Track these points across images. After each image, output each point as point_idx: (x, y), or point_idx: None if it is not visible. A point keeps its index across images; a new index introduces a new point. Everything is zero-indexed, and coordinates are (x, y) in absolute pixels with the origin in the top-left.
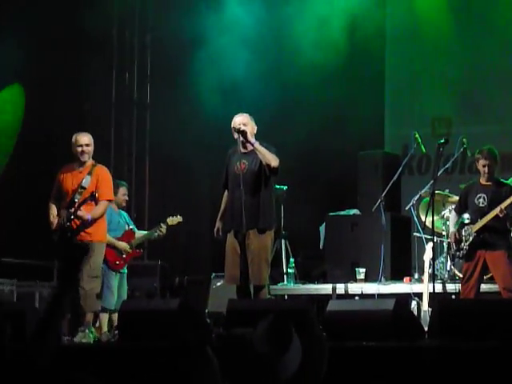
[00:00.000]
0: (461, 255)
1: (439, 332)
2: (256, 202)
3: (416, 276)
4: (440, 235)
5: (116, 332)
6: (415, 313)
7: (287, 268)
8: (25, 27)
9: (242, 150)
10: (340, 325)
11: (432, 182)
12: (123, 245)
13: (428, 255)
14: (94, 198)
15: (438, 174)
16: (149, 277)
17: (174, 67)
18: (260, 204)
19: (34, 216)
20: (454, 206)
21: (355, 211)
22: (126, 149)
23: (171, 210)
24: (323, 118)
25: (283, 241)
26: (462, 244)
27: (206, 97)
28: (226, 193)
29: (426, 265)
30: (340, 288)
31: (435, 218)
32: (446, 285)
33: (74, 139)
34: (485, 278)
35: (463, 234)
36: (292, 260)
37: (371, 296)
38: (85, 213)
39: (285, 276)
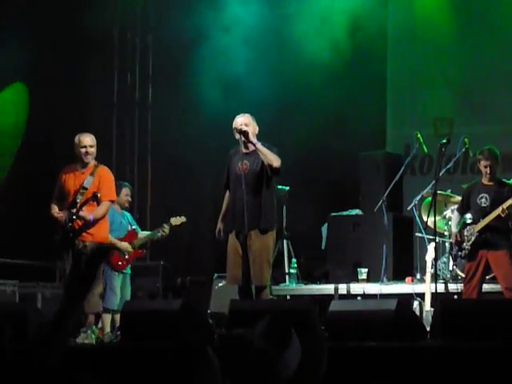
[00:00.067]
0: (463, 255)
1: (441, 332)
2: (258, 203)
3: (418, 276)
4: (442, 235)
5: (118, 333)
6: (417, 313)
7: (289, 268)
8: (25, 28)
9: (244, 151)
10: (342, 325)
11: (434, 182)
12: (125, 245)
13: (430, 255)
14: (95, 199)
15: (440, 174)
16: (151, 277)
17: (175, 67)
18: (262, 204)
19: (35, 217)
20: (456, 206)
21: (357, 211)
22: (128, 149)
23: (173, 211)
24: (325, 118)
25: (285, 241)
26: (464, 244)
27: (208, 97)
28: (227, 193)
29: (428, 265)
30: (342, 288)
31: (437, 218)
32: (448, 285)
33: (77, 140)
34: (487, 277)
35: (465, 233)
36: (294, 260)
37: (373, 296)
38: (87, 213)
39: (287, 276)
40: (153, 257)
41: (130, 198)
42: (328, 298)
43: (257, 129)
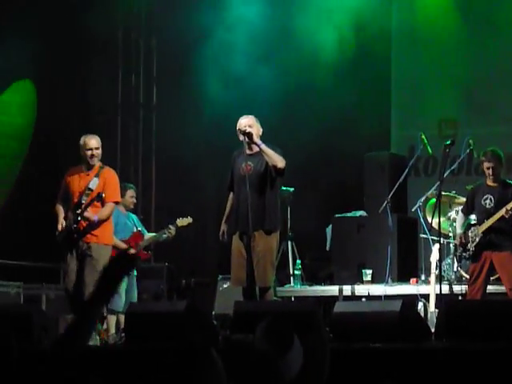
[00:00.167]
0: (467, 256)
1: (446, 333)
2: (262, 204)
3: (423, 277)
4: (447, 236)
5: (123, 334)
6: (422, 314)
7: (294, 270)
8: (29, 28)
9: (248, 152)
10: (347, 326)
11: (438, 183)
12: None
13: (435, 256)
14: (100, 199)
15: (445, 175)
16: (155, 279)
17: (179, 69)
18: (266, 205)
19: (40, 218)
20: (460, 208)
21: (362, 213)
22: (133, 150)
23: (177, 212)
24: (329, 119)
25: (290, 242)
26: (469, 245)
27: (212, 98)
28: (230, 195)
29: (433, 266)
30: (347, 289)
31: (442, 219)
32: (453, 286)
33: (82, 142)
34: (491, 278)
35: (470, 235)
36: (299, 262)
37: (378, 297)
38: (91, 214)
39: (291, 278)
40: (157, 258)
41: (135, 200)
42: (332, 299)
43: (260, 130)
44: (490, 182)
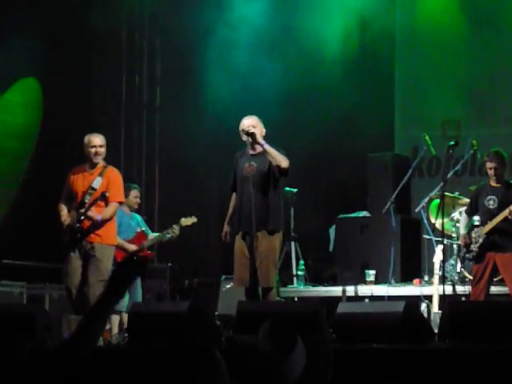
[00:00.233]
0: (471, 257)
1: (449, 334)
2: (265, 204)
3: (426, 278)
4: (450, 237)
5: (126, 334)
6: (425, 315)
7: (297, 270)
8: (32, 27)
9: (251, 152)
10: (350, 327)
11: (442, 184)
12: (133, 247)
13: (438, 257)
14: (104, 199)
15: (448, 176)
16: (158, 279)
17: (183, 69)
18: (269, 206)
19: (43, 218)
20: (464, 208)
21: (365, 213)
22: (136, 151)
23: (181, 212)
24: (332, 120)
25: (293, 243)
26: (472, 246)
27: (216, 99)
28: (233, 196)
29: (436, 267)
30: (350, 290)
31: (445, 220)
32: (456, 287)
33: (86, 140)
34: (495, 280)
35: (473, 235)
36: (302, 262)
37: (381, 298)
38: (95, 213)
39: (295, 278)
40: (160, 259)
41: (139, 200)
42: (336, 300)
43: (264, 130)
44: (493, 183)
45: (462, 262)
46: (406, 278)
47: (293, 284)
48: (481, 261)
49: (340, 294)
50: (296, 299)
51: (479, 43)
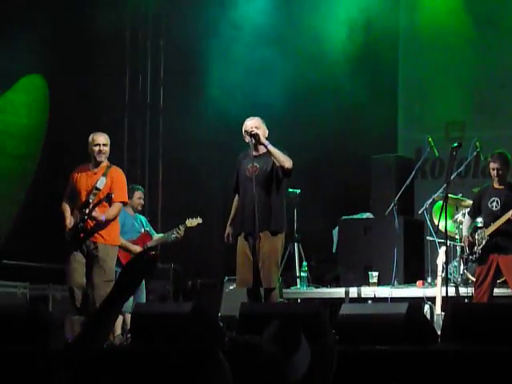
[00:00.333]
0: (474, 259)
1: (452, 336)
2: (268, 205)
3: (429, 280)
4: (453, 239)
5: (128, 335)
6: (428, 317)
7: (300, 271)
8: (36, 28)
9: (254, 153)
10: (353, 328)
11: (445, 185)
12: (137, 248)
13: (441, 259)
14: (109, 200)
15: (451, 177)
16: (162, 280)
17: (187, 70)
18: (272, 206)
19: (47, 219)
20: (467, 210)
21: (368, 215)
22: (139, 152)
23: (184, 213)
24: (336, 121)
25: (296, 244)
26: (475, 248)
27: (219, 100)
28: (236, 197)
29: (439, 268)
30: (353, 292)
31: (448, 221)
32: (459, 289)
33: (90, 139)
34: (498, 281)
35: (476, 237)
36: (305, 263)
37: (384, 300)
38: (99, 214)
39: (298, 280)
40: (164, 260)
41: (142, 201)
42: (339, 301)
43: (266, 132)
44: (496, 185)
45: (465, 264)
46: (409, 280)
47: (296, 285)
48: (484, 263)
49: (343, 295)
50: (299, 300)
51: (483, 44)
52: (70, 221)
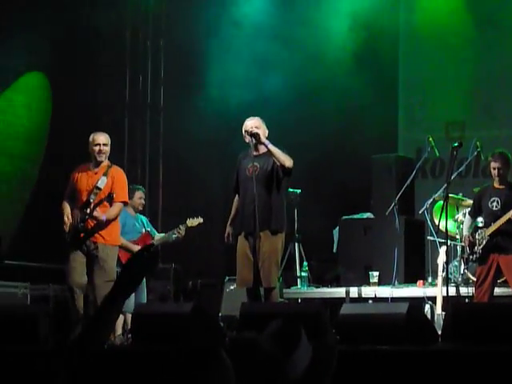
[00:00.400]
0: (474, 259)
1: (453, 336)
2: (268, 204)
3: (429, 280)
4: (454, 239)
5: (129, 335)
6: (429, 316)
7: (301, 271)
8: (36, 27)
9: (254, 153)
10: (353, 328)
11: (446, 185)
12: (137, 248)
13: (441, 259)
14: (110, 199)
15: (452, 177)
16: (162, 280)
17: (187, 70)
18: (272, 206)
19: (46, 218)
20: (467, 210)
21: (369, 215)
22: (140, 152)
23: (185, 213)
24: (336, 121)
25: (297, 244)
26: (476, 247)
27: (220, 100)
28: (236, 197)
29: (440, 268)
30: (353, 291)
31: (449, 221)
32: (460, 288)
33: (91, 138)
34: (498, 281)
35: (477, 237)
36: (305, 263)
37: (385, 299)
38: (100, 213)
39: (298, 279)
40: (164, 260)
41: (143, 201)
42: (339, 301)
43: (266, 131)
44: (496, 185)
45: (466, 264)
46: (409, 280)
47: (296, 285)
48: (484, 262)
49: (343, 295)
50: (299, 300)
51: (483, 44)
52: (68, 218)
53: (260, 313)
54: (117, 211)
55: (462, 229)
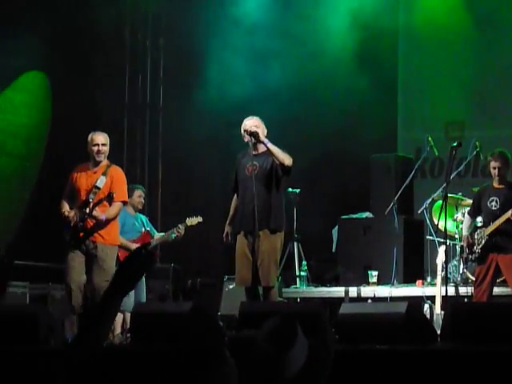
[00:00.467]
0: (473, 258)
1: (452, 335)
2: (267, 203)
3: (429, 279)
4: (453, 238)
5: (128, 335)
6: (428, 316)
7: (300, 271)
8: (34, 27)
9: (253, 153)
10: (352, 328)
11: (445, 185)
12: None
13: (441, 258)
14: (110, 199)
15: (451, 177)
16: (161, 279)
17: (186, 70)
18: (271, 205)
19: (46, 218)
20: (466, 210)
21: (368, 214)
22: (139, 151)
23: (184, 212)
24: (336, 120)
25: (296, 244)
26: (475, 247)
27: (219, 99)
28: (234, 197)
29: (439, 268)
30: (352, 291)
31: (448, 221)
32: (459, 288)
33: (89, 138)
34: (497, 281)
35: (476, 237)
36: (304, 263)
37: (384, 299)
38: (99, 213)
39: (297, 279)
40: (163, 259)
41: (143, 200)
42: (338, 300)
43: (265, 131)
44: (496, 184)
45: (465, 263)
46: (408, 279)
47: (295, 284)
48: (483, 262)
49: (342, 294)
50: (298, 300)
51: (483, 44)
52: (68, 212)
53: (259, 312)
54: (116, 211)
55: (462, 228)
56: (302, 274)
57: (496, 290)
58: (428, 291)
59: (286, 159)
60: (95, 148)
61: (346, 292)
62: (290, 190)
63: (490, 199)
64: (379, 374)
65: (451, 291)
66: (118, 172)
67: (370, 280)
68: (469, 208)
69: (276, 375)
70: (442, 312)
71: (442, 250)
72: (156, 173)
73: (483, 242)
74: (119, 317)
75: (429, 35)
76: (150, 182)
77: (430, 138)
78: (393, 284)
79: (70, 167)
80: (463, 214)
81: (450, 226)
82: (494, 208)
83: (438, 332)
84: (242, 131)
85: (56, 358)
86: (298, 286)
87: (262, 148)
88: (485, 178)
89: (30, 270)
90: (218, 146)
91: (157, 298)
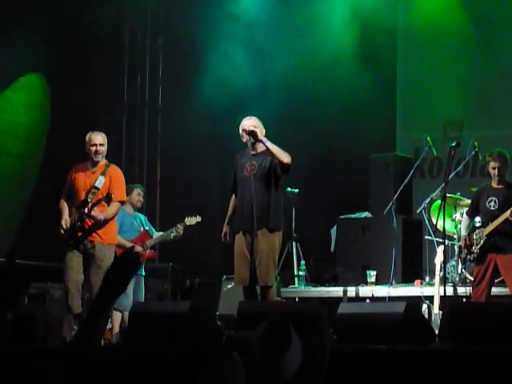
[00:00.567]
0: (472, 258)
1: (450, 335)
2: (266, 203)
3: (427, 279)
4: (451, 238)
5: (126, 334)
6: (426, 316)
7: (298, 270)
8: (34, 27)
9: (252, 152)
10: (351, 328)
11: (443, 185)
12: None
13: (439, 258)
14: (109, 199)
15: (450, 177)
16: (160, 279)
17: (185, 70)
18: (270, 204)
19: (44, 217)
20: (465, 210)
21: (366, 214)
22: (138, 151)
23: (183, 212)
24: (335, 120)
25: (294, 243)
26: (473, 247)
27: (218, 99)
28: (233, 197)
29: (437, 268)
30: (351, 291)
31: (447, 221)
32: (457, 288)
33: (87, 138)
34: (496, 281)
35: (474, 237)
36: (303, 262)
37: (382, 299)
38: (98, 213)
39: (296, 278)
40: (162, 259)
41: (142, 199)
42: (337, 300)
43: (264, 131)
44: (494, 184)
45: (463, 264)
46: (407, 279)
47: (294, 284)
48: (482, 262)
49: (341, 294)
50: (297, 299)
51: (482, 44)
52: (65, 222)
53: (257, 312)
54: (114, 210)
55: (460, 228)
56: (301, 273)
57: (494, 290)
58: (426, 291)
59: (285, 157)
60: (93, 148)
61: (345, 292)
62: (289, 189)
63: (489, 199)
64: (377, 374)
65: (449, 291)
66: (116, 172)
67: (368, 280)
68: (467, 208)
69: (272, 378)
70: (441, 312)
71: (440, 249)
72: (155, 172)
73: (482, 242)
74: (117, 316)
75: (428, 35)
76: (149, 181)
77: (428, 138)
78: (391, 284)
79: (69, 167)
80: (462, 214)
81: (449, 226)
82: (492, 208)
83: (436, 332)
84: (241, 131)
85: (54, 357)
86: (296, 285)
87: (260, 148)
88: (483, 178)
89: (29, 269)
90: (217, 145)
91: (155, 298)
